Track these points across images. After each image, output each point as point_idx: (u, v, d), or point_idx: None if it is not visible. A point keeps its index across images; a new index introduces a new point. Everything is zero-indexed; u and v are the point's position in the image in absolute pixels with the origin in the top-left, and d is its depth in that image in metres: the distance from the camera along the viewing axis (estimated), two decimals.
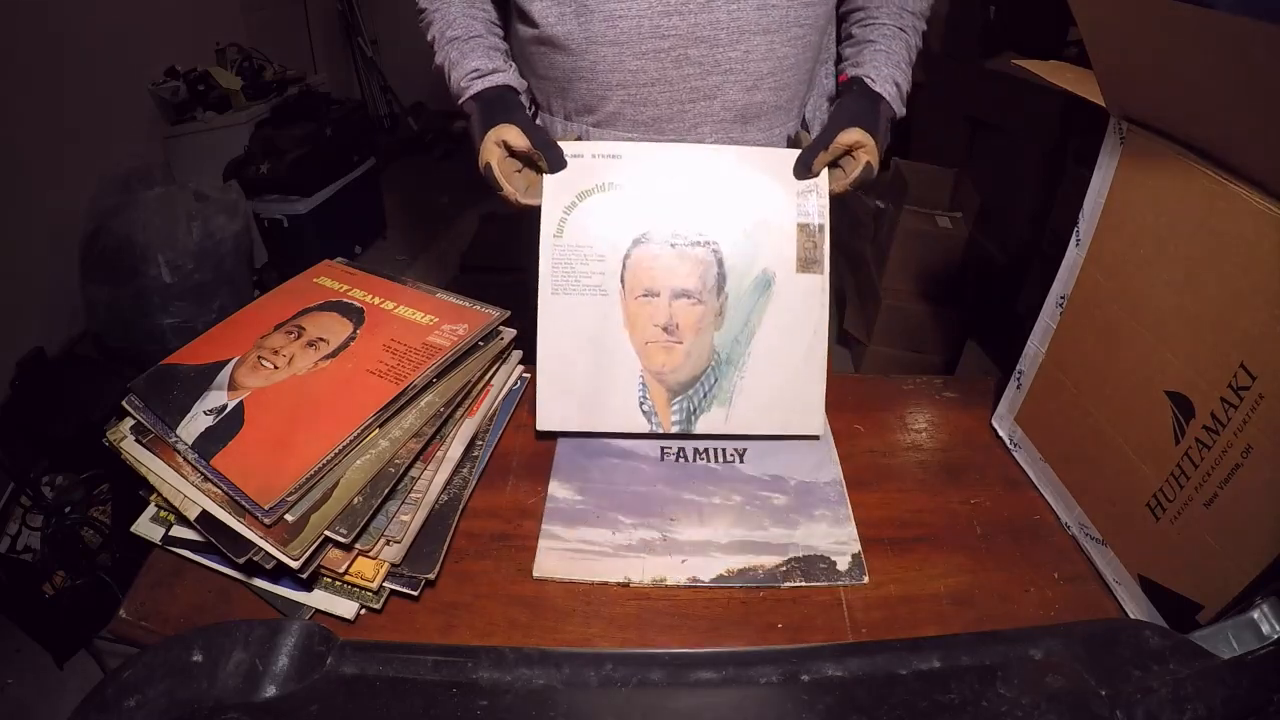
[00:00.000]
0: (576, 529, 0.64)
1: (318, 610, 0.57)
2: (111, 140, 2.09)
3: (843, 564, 0.61)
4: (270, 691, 0.39)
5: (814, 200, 0.69)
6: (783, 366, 0.68)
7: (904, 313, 1.92)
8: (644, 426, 0.70)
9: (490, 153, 0.70)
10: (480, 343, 0.68)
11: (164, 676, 0.39)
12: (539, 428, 0.70)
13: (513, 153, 0.70)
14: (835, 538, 0.63)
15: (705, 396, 0.68)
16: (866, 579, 0.60)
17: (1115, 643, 0.41)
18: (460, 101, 0.76)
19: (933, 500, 0.68)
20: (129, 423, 0.63)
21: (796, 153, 0.70)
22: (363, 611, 0.57)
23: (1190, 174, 0.50)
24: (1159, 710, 0.36)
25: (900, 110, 0.75)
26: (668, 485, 0.69)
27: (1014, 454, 0.72)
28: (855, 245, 2.17)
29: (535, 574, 0.60)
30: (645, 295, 0.69)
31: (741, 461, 0.71)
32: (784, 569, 0.61)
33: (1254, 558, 0.45)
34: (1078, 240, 0.62)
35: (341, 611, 0.56)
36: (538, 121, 0.82)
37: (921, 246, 1.88)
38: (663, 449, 0.72)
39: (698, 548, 0.63)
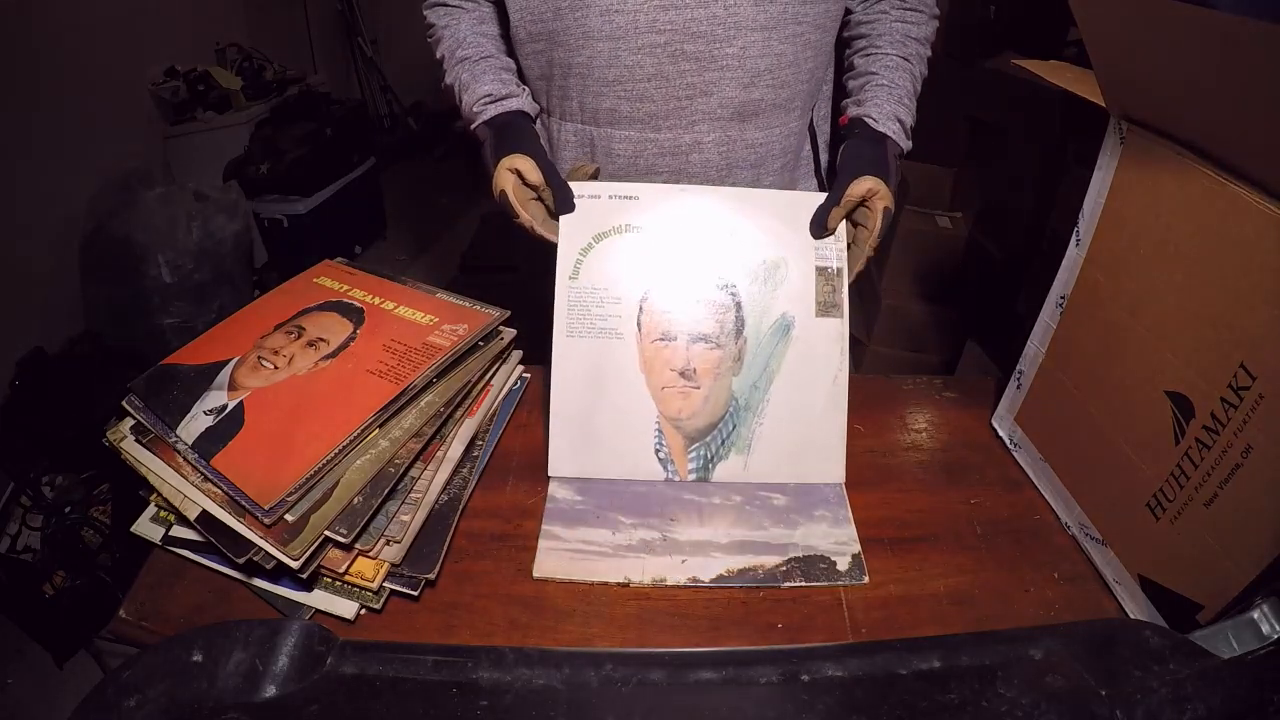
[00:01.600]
0: (576, 529, 0.64)
1: (318, 610, 0.57)
2: (111, 140, 2.09)
3: (843, 564, 0.61)
4: (270, 691, 0.39)
5: (832, 244, 0.68)
6: (803, 413, 0.67)
7: (904, 313, 1.92)
8: (659, 475, 0.68)
9: (504, 180, 0.70)
10: (480, 343, 0.68)
11: (164, 676, 0.39)
12: (550, 473, 0.69)
13: (525, 182, 0.70)
14: (835, 538, 0.63)
15: (724, 444, 0.66)
16: (866, 579, 0.60)
17: (1115, 643, 0.41)
18: (473, 126, 0.76)
19: (933, 500, 0.68)
20: (129, 423, 0.63)
21: (814, 195, 0.69)
22: (363, 611, 0.57)
23: (1190, 174, 0.50)
24: (1159, 710, 0.36)
25: (905, 146, 0.74)
26: (667, 485, 0.69)
27: (1014, 454, 0.72)
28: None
29: (535, 574, 0.60)
30: (662, 339, 0.68)
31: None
32: (784, 569, 0.61)
33: (1254, 558, 0.45)
34: (1078, 240, 0.62)
35: (341, 611, 0.56)
36: (537, 126, 0.82)
37: (921, 246, 1.88)
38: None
39: (698, 548, 0.63)
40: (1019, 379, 0.71)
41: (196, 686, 0.39)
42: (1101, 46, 0.53)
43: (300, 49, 3.23)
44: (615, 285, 0.69)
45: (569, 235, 0.69)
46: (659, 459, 0.68)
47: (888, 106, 0.73)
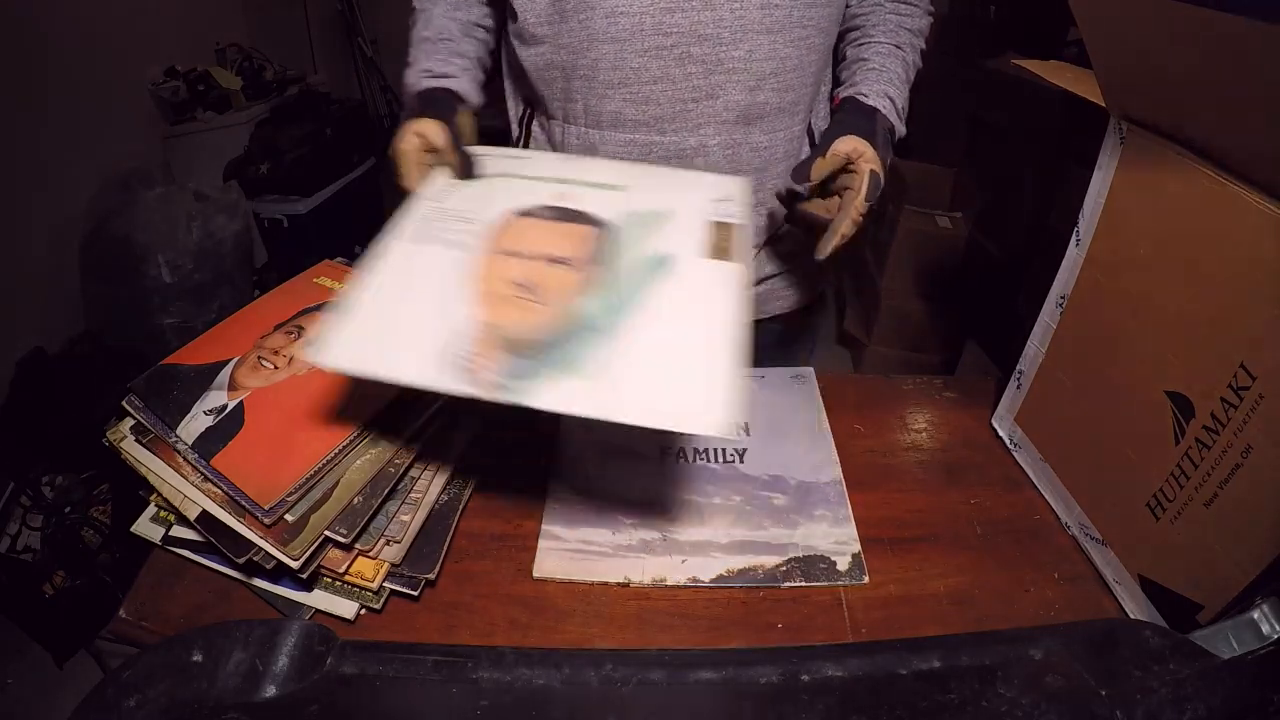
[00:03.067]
0: (577, 529, 0.64)
1: (318, 610, 0.57)
2: (111, 140, 2.09)
3: (843, 564, 0.61)
4: (270, 691, 0.39)
5: (734, 206, 0.61)
6: (678, 352, 0.52)
7: (904, 313, 1.92)
8: (437, 382, 0.49)
9: (407, 140, 0.66)
10: None
11: (164, 676, 0.39)
12: (318, 359, 0.49)
13: (429, 148, 0.66)
14: (835, 538, 0.63)
15: (557, 364, 0.50)
16: (866, 579, 0.60)
17: (1115, 643, 0.41)
18: (405, 99, 0.75)
19: (933, 500, 0.68)
20: (129, 423, 0.63)
21: (729, 179, 0.65)
22: (363, 611, 0.57)
23: (1190, 174, 0.50)
24: (1159, 710, 0.36)
25: (899, 126, 0.73)
26: (667, 485, 0.68)
27: (1014, 454, 0.72)
28: (855, 245, 2.17)
29: (535, 574, 0.60)
30: (507, 253, 0.57)
31: (741, 461, 0.71)
32: (784, 569, 0.61)
33: (1254, 558, 0.45)
34: (1078, 240, 0.62)
35: (341, 611, 0.56)
36: (534, 127, 0.82)
37: (921, 246, 1.88)
38: (662, 449, 0.72)
39: (698, 548, 0.62)
40: (1019, 379, 0.71)
41: (196, 686, 0.39)
42: (1101, 46, 0.53)
43: (300, 49, 3.22)
44: (481, 212, 0.60)
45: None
46: (451, 361, 0.49)
47: (877, 86, 0.73)
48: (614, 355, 0.51)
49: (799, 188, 0.70)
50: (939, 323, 1.91)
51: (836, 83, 0.81)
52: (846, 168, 0.66)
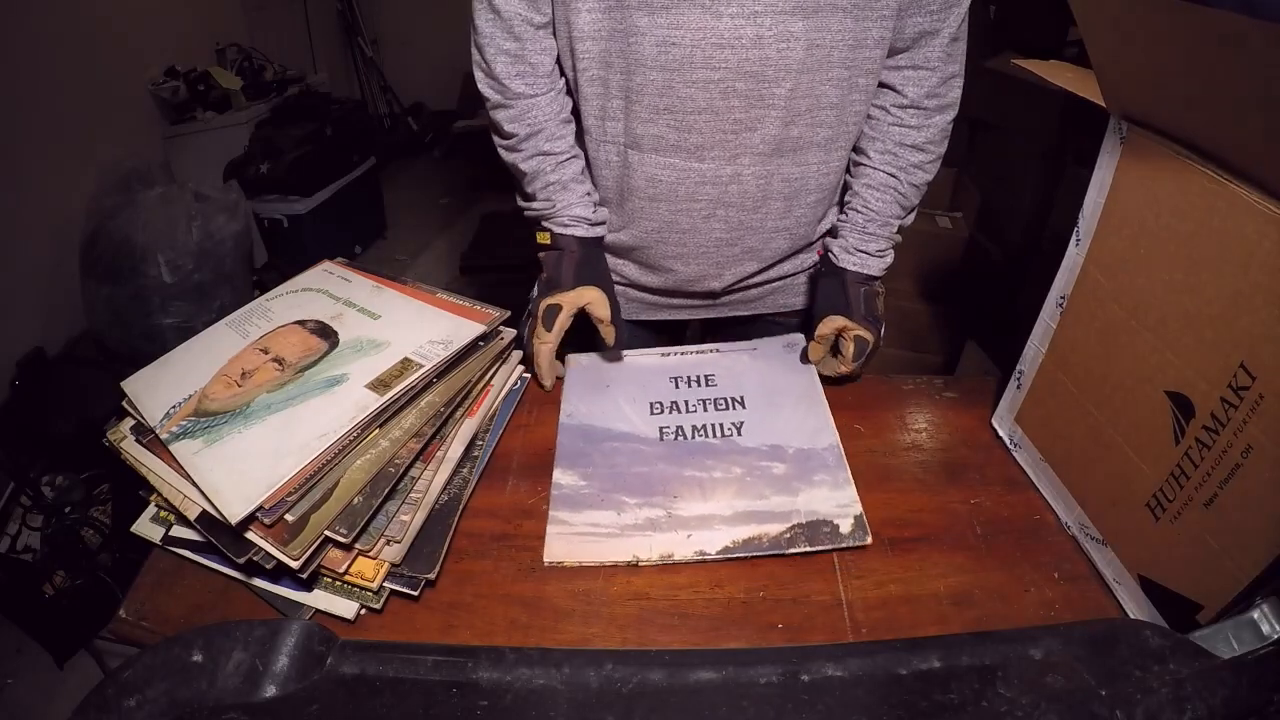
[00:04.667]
0: (583, 513, 0.65)
1: (318, 610, 0.57)
2: (111, 140, 2.09)
3: (845, 526, 0.62)
4: (270, 691, 0.39)
5: (440, 349, 0.66)
6: (260, 450, 0.58)
7: (904, 313, 1.92)
8: (154, 419, 0.61)
9: (579, 298, 0.77)
10: (480, 342, 0.68)
11: (164, 676, 0.39)
12: (124, 382, 0.65)
13: (591, 314, 0.77)
14: (836, 501, 0.65)
15: (205, 428, 0.59)
16: (869, 540, 0.61)
17: (1115, 643, 0.41)
18: (559, 231, 0.79)
19: (933, 500, 0.68)
20: (129, 423, 0.63)
21: (468, 325, 0.69)
22: (363, 611, 0.57)
23: (1190, 174, 0.50)
24: (1159, 710, 0.36)
25: (875, 272, 0.81)
26: (668, 463, 0.69)
27: (1014, 454, 0.72)
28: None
29: (546, 560, 0.61)
30: (260, 349, 0.67)
31: (740, 435, 0.72)
32: (788, 536, 0.62)
33: (1254, 558, 0.45)
34: (1078, 240, 0.62)
35: (341, 611, 0.56)
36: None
37: (921, 246, 1.88)
38: (661, 429, 0.73)
39: (702, 521, 0.64)
40: (1019, 379, 0.71)
41: (196, 686, 0.39)
42: (1101, 46, 0.53)
43: (300, 49, 3.23)
44: (282, 316, 0.72)
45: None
46: (169, 411, 0.61)
47: (852, 240, 0.80)
48: (232, 438, 0.58)
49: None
50: (939, 323, 1.90)
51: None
52: (839, 337, 0.78)
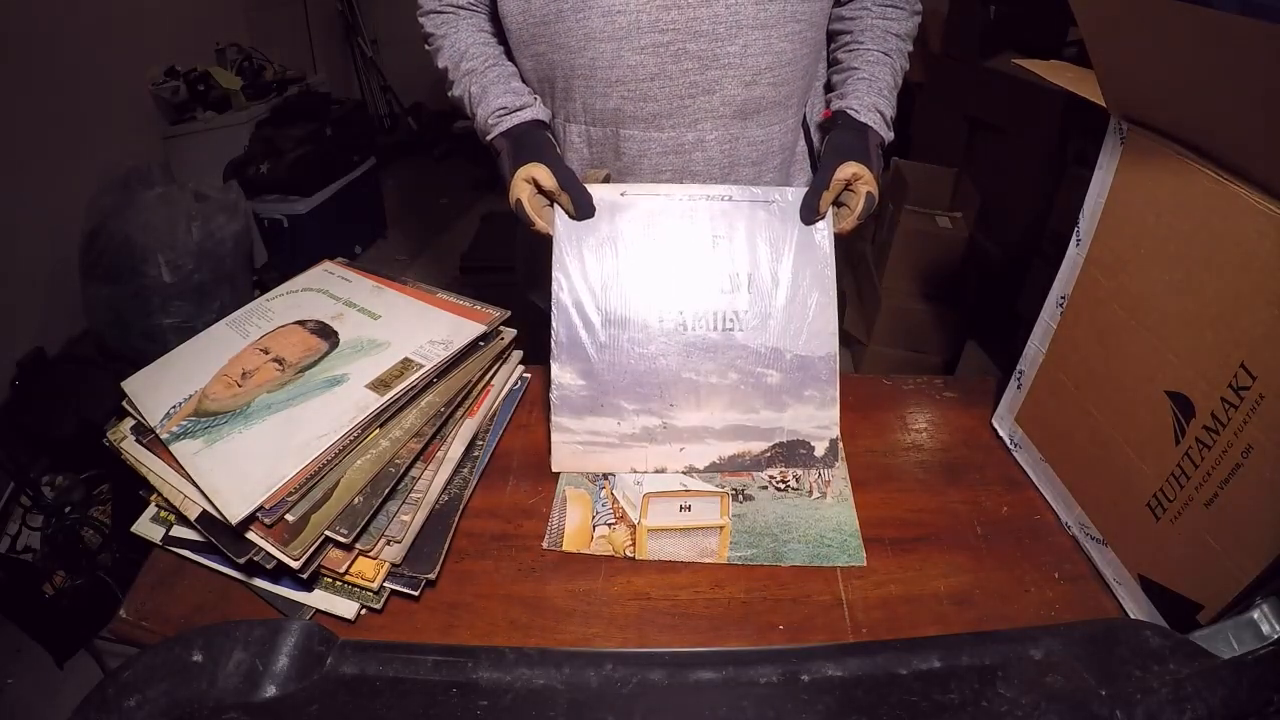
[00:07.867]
0: (584, 419, 0.68)
1: (318, 610, 0.57)
2: (111, 140, 2.09)
3: (820, 449, 0.69)
4: (270, 691, 0.39)
5: (440, 349, 0.66)
6: (263, 451, 0.58)
7: (904, 313, 1.92)
8: (154, 419, 0.62)
9: (520, 189, 0.71)
10: (480, 342, 0.68)
11: (164, 676, 0.39)
12: (124, 383, 0.66)
13: (541, 190, 0.71)
14: (818, 421, 0.69)
15: (207, 427, 0.60)
16: (840, 464, 0.67)
17: (1115, 643, 0.41)
18: (489, 138, 0.77)
19: (933, 500, 0.68)
20: (129, 423, 0.63)
21: (466, 324, 0.69)
22: (363, 611, 0.57)
23: (1190, 174, 0.50)
24: (1159, 710, 0.36)
25: (887, 136, 0.76)
26: (666, 359, 0.69)
27: (1014, 454, 0.72)
28: (855, 245, 2.17)
29: (554, 469, 0.66)
30: (261, 349, 0.68)
31: (739, 327, 0.70)
32: (768, 455, 0.70)
33: (1254, 558, 0.45)
34: (1078, 240, 0.62)
35: (341, 611, 0.56)
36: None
37: (921, 246, 1.88)
38: (660, 313, 0.70)
39: (695, 434, 0.69)
40: (1019, 379, 0.71)
41: (196, 686, 0.39)
42: (1101, 46, 0.53)
43: (300, 49, 3.22)
44: (282, 316, 0.72)
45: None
46: (169, 412, 0.62)
47: (868, 99, 0.75)
48: (233, 437, 0.59)
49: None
50: (939, 323, 1.90)
51: (828, 86, 0.82)
52: (846, 188, 0.71)
